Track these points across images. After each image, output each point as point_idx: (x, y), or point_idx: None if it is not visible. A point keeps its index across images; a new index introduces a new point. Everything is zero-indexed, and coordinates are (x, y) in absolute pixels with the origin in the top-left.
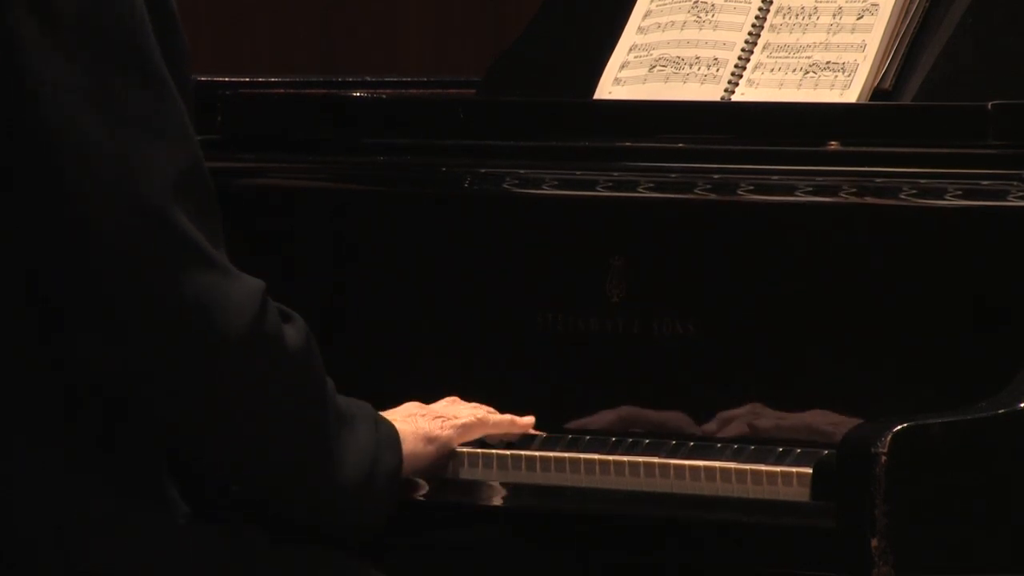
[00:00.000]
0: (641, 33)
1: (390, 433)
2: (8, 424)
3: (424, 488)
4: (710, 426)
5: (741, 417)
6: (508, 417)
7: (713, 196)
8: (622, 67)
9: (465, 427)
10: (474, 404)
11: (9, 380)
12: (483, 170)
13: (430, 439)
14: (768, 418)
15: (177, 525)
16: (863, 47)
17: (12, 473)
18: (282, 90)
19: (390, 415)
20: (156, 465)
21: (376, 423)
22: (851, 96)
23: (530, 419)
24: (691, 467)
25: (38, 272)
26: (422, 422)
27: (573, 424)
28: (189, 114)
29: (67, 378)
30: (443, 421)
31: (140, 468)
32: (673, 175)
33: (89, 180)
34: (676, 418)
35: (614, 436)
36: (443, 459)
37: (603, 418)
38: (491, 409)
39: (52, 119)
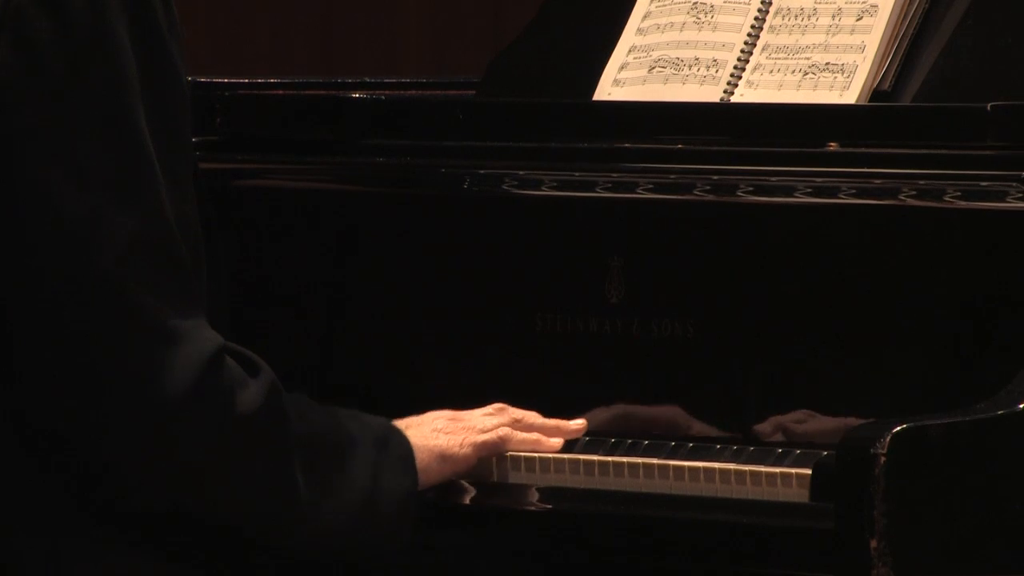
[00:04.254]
0: (640, 34)
1: (400, 453)
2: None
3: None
4: (761, 427)
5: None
6: (534, 436)
7: (712, 197)
8: (621, 68)
9: (485, 446)
10: (517, 413)
11: None
12: (482, 171)
13: (445, 457)
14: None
15: (155, 566)
16: (862, 48)
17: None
18: (281, 91)
19: (412, 426)
20: (133, 507)
21: (383, 445)
22: (850, 97)
23: (557, 443)
24: (690, 468)
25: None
26: (441, 438)
27: None
28: (185, 125)
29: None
30: (464, 438)
31: (116, 510)
32: (672, 176)
33: (47, 238)
34: (675, 419)
35: (613, 437)
36: (459, 475)
37: (602, 419)
38: (535, 415)
39: (21, 170)
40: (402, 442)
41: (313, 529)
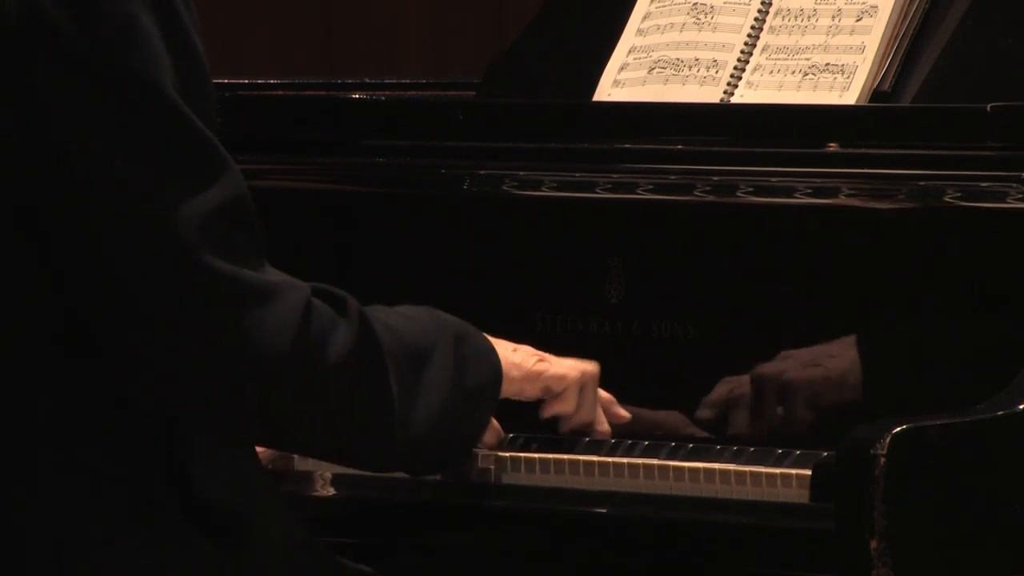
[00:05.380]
0: (640, 35)
1: (479, 348)
2: (16, 446)
3: (417, 488)
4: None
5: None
6: (609, 396)
7: (712, 198)
8: (621, 69)
9: (558, 377)
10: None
11: (22, 404)
12: (482, 172)
13: (517, 365)
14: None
15: (174, 541)
16: (862, 49)
17: (14, 491)
18: (282, 92)
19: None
20: (156, 482)
21: (461, 340)
22: (850, 98)
23: (608, 426)
24: (690, 469)
25: (75, 310)
26: (518, 354)
27: None
28: (213, 114)
29: (75, 403)
30: (539, 360)
31: (140, 484)
32: (672, 177)
33: (118, 227)
34: (675, 419)
35: (612, 438)
36: (525, 394)
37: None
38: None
39: (79, 167)
40: (481, 338)
41: (404, 440)
